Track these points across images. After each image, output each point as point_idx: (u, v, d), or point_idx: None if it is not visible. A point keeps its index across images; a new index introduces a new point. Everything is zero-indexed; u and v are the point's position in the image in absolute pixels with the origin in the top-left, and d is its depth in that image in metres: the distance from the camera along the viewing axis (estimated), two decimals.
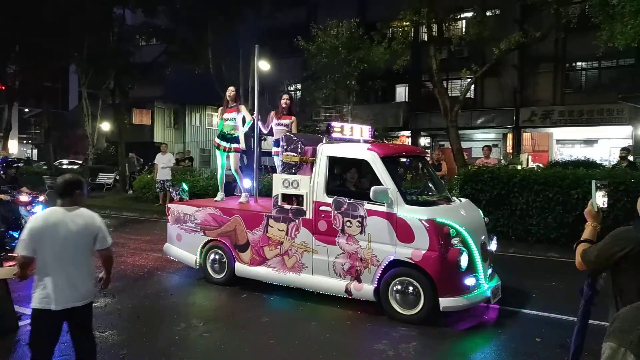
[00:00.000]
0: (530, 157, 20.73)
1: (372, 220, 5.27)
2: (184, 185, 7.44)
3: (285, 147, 5.96)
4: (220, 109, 7.30)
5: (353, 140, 6.10)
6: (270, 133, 7.25)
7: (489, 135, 22.80)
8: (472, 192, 9.14)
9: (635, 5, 9.38)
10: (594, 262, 2.64)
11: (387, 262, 5.19)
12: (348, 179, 5.93)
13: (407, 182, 6.66)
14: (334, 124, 5.98)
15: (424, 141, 25.32)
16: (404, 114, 23.77)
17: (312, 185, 5.68)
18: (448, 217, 5.17)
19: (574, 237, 4.62)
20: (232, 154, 7.23)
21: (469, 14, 17.93)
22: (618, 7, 10.10)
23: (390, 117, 22.58)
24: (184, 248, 6.85)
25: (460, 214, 5.49)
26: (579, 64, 21.25)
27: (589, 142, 21.05)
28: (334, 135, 5.85)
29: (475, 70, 14.59)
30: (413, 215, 5.10)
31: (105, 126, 25.43)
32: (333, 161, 5.74)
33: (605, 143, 20.36)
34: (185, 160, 18.20)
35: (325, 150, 5.70)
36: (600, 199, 2.84)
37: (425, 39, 16.96)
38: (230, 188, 7.98)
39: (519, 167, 13.28)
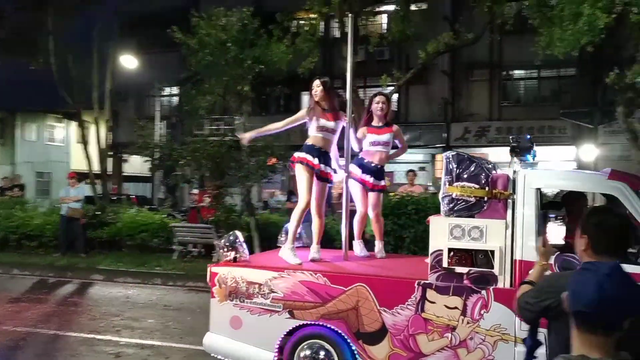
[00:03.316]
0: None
1: None
2: (239, 235, 5.83)
3: (458, 173, 4.91)
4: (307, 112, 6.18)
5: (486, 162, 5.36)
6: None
7: (416, 156, 23.89)
8: (394, 228, 9.47)
9: (575, 8, 10.43)
10: (524, 309, 2.85)
11: None
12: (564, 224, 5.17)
13: None
14: (530, 136, 5.17)
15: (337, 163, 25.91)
16: None
17: (513, 236, 4.71)
18: None
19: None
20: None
21: (391, 7, 18.90)
22: (556, 9, 11.18)
23: (295, 132, 22.81)
24: (247, 340, 5.39)
25: None
26: (516, 72, 23.17)
27: (530, 165, 22.84)
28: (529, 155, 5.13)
29: (398, 77, 15.30)
30: None
31: None
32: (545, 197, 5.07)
33: (547, 166, 22.21)
34: (14, 188, 17.03)
35: (532, 179, 4.80)
36: (553, 233, 3.07)
37: (338, 35, 17.56)
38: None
39: None
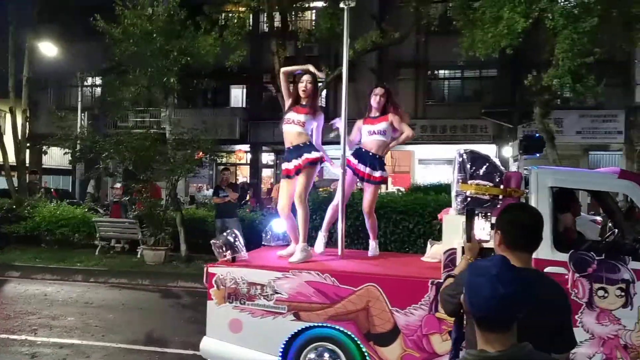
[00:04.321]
0: (390, 179, 22.41)
1: None
2: (238, 234, 5.55)
3: (472, 171, 4.87)
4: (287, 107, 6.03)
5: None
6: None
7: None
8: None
9: (496, 12, 10.83)
10: (445, 302, 2.94)
11: None
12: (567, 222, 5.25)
13: None
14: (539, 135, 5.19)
15: (266, 158, 25.85)
16: (241, 123, 24.03)
17: None
18: None
19: None
20: (300, 176, 5.82)
21: (319, 4, 18.98)
22: (479, 12, 11.57)
23: (223, 126, 22.64)
24: (248, 344, 5.15)
25: None
26: (441, 72, 23.82)
27: (453, 162, 23.58)
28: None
29: (326, 73, 15.37)
30: None
31: None
32: (557, 195, 5.00)
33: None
34: None
35: (547, 179, 4.85)
36: (481, 229, 3.18)
37: (267, 30, 17.48)
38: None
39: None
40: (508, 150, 20.35)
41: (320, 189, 11.65)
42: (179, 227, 12.47)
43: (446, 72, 23.74)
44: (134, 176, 12.96)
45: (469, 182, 4.82)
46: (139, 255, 12.52)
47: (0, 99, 17.65)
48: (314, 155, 5.80)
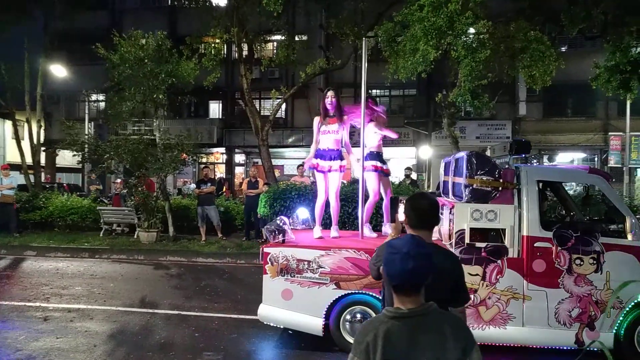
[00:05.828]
0: None
1: (612, 256, 4.70)
2: (286, 220, 5.40)
3: (476, 169, 4.80)
4: (316, 121, 5.83)
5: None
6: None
7: (300, 153, 24.13)
8: (281, 209, 9.48)
9: (414, 45, 10.94)
10: (371, 269, 2.95)
11: (632, 304, 4.68)
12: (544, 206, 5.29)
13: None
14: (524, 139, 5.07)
15: (238, 158, 25.53)
16: (217, 131, 23.65)
17: (520, 217, 4.78)
18: None
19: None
20: (333, 174, 5.84)
21: (279, 37, 18.80)
22: (401, 44, 11.67)
23: (203, 133, 22.17)
24: (297, 309, 5.06)
25: None
26: (373, 91, 23.96)
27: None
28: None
29: (284, 91, 15.27)
30: None
31: None
32: (543, 187, 5.04)
33: (395, 162, 23.29)
34: None
35: (534, 174, 4.91)
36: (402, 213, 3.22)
37: (237, 57, 17.21)
38: None
39: None
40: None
41: (281, 182, 11.57)
42: (168, 214, 12.19)
43: (377, 91, 23.89)
44: (131, 173, 12.59)
45: (477, 177, 4.80)
46: (135, 236, 12.18)
47: (18, 110, 16.80)
48: (344, 162, 5.87)
